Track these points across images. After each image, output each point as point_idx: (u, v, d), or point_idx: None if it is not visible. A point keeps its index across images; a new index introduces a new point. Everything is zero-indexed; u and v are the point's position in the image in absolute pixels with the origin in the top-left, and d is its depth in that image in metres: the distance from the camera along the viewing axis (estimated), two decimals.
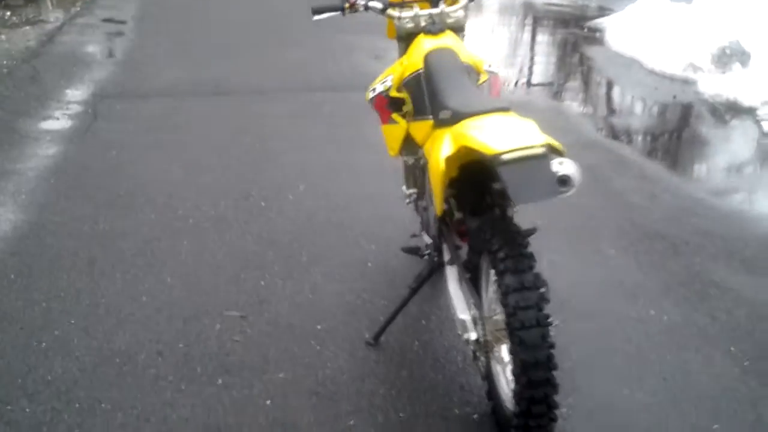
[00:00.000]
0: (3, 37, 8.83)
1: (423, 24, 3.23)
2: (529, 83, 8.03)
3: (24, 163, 5.12)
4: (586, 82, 8.25)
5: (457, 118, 2.63)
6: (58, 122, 6.01)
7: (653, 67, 8.42)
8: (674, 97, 7.54)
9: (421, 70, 3.05)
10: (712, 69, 7.98)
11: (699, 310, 3.67)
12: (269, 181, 4.97)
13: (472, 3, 3.34)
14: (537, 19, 11.69)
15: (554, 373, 2.51)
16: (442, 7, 3.29)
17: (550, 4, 12.27)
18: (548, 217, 4.37)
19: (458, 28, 3.33)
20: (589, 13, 11.41)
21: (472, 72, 3.07)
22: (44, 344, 3.25)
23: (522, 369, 2.46)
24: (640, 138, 6.51)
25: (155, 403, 2.92)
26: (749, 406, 3.03)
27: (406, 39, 3.30)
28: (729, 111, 7.05)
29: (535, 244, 3.84)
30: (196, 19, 10.07)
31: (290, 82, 7.23)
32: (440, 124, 2.76)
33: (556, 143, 2.47)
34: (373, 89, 3.28)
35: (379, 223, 4.25)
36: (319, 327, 3.42)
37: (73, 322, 3.40)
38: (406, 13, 3.25)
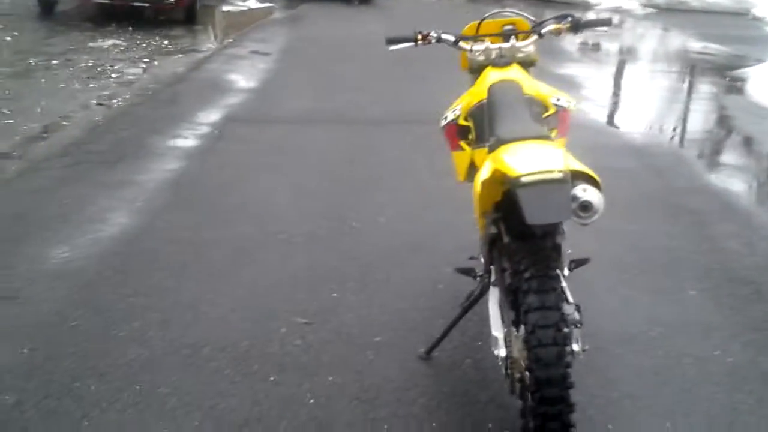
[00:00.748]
0: (156, 63, 9.51)
1: (493, 57, 3.36)
2: (659, 129, 7.93)
3: (146, 175, 5.56)
4: (714, 130, 8.10)
5: (498, 144, 2.77)
6: (185, 141, 6.46)
7: None
8: None
9: (484, 101, 3.19)
10: None
11: (766, 355, 3.58)
12: (366, 205, 5.23)
13: (545, 38, 3.42)
14: (684, 65, 11.56)
15: (570, 391, 2.55)
16: (512, 42, 3.41)
17: (703, 53, 12.12)
18: (630, 255, 4.49)
19: (528, 63, 3.45)
20: (737, 63, 11.20)
21: (536, 104, 3.18)
22: (123, 333, 3.53)
23: (536, 386, 2.54)
24: (754, 185, 6.34)
25: (208, 392, 3.15)
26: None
27: (477, 71, 3.46)
28: None
29: (610, 279, 3.93)
30: (334, 54, 10.55)
31: (408, 115, 7.46)
32: (489, 150, 2.90)
33: (588, 171, 2.60)
34: (445, 117, 3.45)
35: (457, 249, 4.38)
36: (377, 339, 3.58)
37: (153, 316, 3.65)
38: (478, 47, 3.41)
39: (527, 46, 3.40)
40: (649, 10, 19.52)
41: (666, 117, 8.55)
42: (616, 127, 7.70)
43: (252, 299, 3.88)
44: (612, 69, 11.83)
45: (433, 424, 3.04)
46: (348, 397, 3.17)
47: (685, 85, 10.64)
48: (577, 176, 2.61)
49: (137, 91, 8.02)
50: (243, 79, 8.90)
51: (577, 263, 3.23)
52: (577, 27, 3.38)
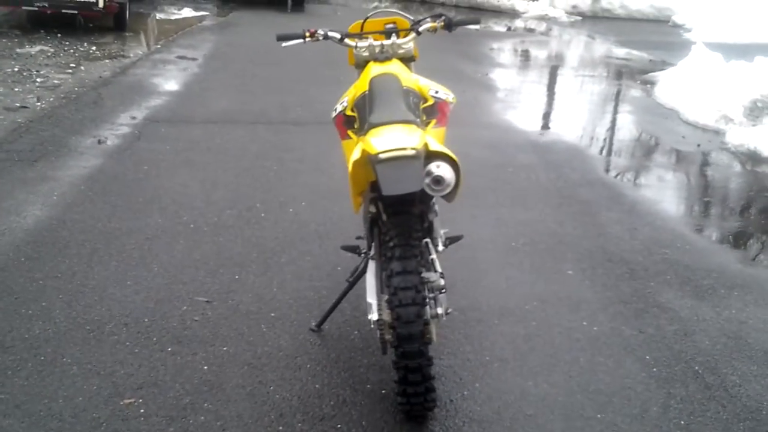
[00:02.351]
0: (82, 68, 9.68)
1: (376, 52, 3.68)
2: (564, 128, 8.39)
3: (64, 172, 5.77)
4: (614, 129, 8.57)
5: (369, 128, 3.08)
6: (104, 141, 6.63)
7: (688, 118, 8.71)
8: (698, 145, 7.79)
9: (366, 92, 3.49)
10: (744, 121, 8.20)
11: (630, 324, 3.98)
12: (276, 197, 5.50)
13: (421, 36, 3.74)
14: (602, 70, 12.09)
15: (428, 347, 2.89)
16: (393, 39, 3.73)
17: (623, 59, 12.70)
18: (522, 237, 4.90)
19: (408, 58, 3.77)
20: (651, 67, 11.76)
21: (414, 95, 3.47)
22: (30, 311, 3.76)
23: (398, 341, 2.86)
24: (643, 179, 6.79)
25: (108, 362, 3.40)
26: (638, 403, 3.33)
27: (361, 65, 3.76)
28: (748, 160, 7.29)
29: (499, 261, 4.28)
30: (262, 59, 10.81)
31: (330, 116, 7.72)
32: (363, 134, 3.21)
33: (447, 152, 2.96)
34: (335, 109, 3.74)
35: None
36: (273, 315, 3.87)
37: (60, 296, 3.90)
38: (362, 43, 3.71)
39: (407, 43, 3.71)
40: (575, 18, 20.16)
41: (574, 117, 9.01)
42: (524, 127, 8.09)
43: (157, 282, 4.13)
44: (532, 74, 12.30)
45: (316, 385, 3.31)
46: (240, 364, 3.43)
47: (599, 89, 11.16)
48: (436, 156, 2.93)
49: (61, 94, 8.19)
50: (168, 82, 9.12)
51: (451, 240, 3.56)
52: (450, 25, 3.70)
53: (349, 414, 3.11)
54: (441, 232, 3.50)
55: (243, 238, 4.68)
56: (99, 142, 6.58)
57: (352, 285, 3.62)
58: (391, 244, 2.88)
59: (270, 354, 3.48)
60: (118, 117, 7.44)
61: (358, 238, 3.74)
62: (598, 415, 3.21)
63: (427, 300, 2.89)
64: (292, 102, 8.31)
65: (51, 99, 7.91)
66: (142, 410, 3.07)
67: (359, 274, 3.59)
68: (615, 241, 5.01)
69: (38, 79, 8.74)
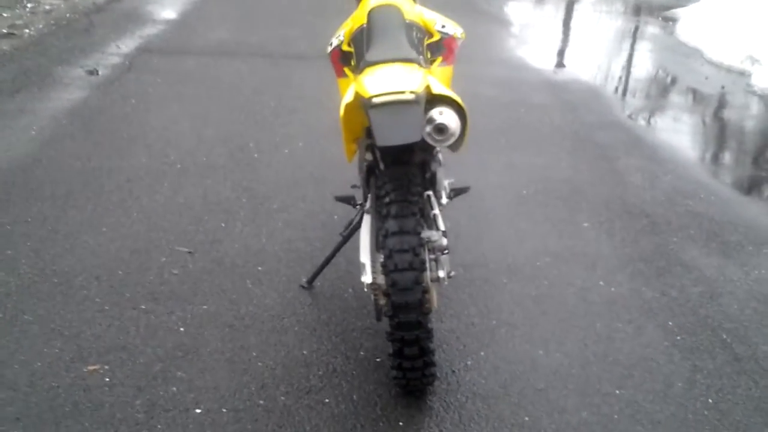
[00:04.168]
0: None
1: None
2: (581, 66, 7.90)
3: (45, 104, 5.38)
4: (633, 68, 8.09)
5: (364, 66, 2.67)
6: (92, 71, 6.20)
7: (712, 58, 8.23)
8: (722, 87, 7.34)
9: (364, 25, 3.07)
10: None
11: (651, 285, 3.62)
12: (272, 136, 5.12)
13: None
14: (620, 6, 11.51)
15: (428, 317, 2.51)
16: None
17: None
18: (535, 184, 4.51)
19: None
20: (673, 3, 11.16)
21: (417, 30, 3.07)
22: None
23: (394, 310, 2.49)
24: (664, 122, 6.35)
25: (73, 320, 3.05)
26: (661, 377, 2.98)
27: None
28: None
29: (508, 211, 3.88)
30: None
31: None
32: (358, 73, 2.80)
33: (452, 96, 2.55)
34: (330, 44, 3.33)
35: None
36: (260, 268, 3.50)
37: (28, 244, 3.54)
38: None
39: None
40: None
41: (591, 55, 8.54)
42: (538, 64, 7.62)
43: (136, 229, 3.81)
44: (548, 8, 11.72)
45: (304, 351, 2.98)
46: (221, 325, 3.10)
47: (618, 25, 10.61)
48: (439, 100, 2.53)
49: (52, 20, 7.76)
50: (164, 10, 8.70)
51: (457, 192, 3.18)
52: None
53: (338, 386, 2.78)
54: (445, 184, 3.12)
55: (232, 181, 4.30)
56: (89, 72, 6.13)
57: (346, 239, 3.26)
58: (387, 199, 2.50)
59: (254, 314, 3.13)
60: (109, 46, 7.06)
61: (354, 187, 3.36)
62: (617, 391, 2.88)
63: (427, 263, 2.48)
64: (294, 34, 7.86)
65: (40, 26, 7.47)
66: (107, 379, 2.73)
67: (354, 228, 3.23)
68: (634, 191, 4.61)
69: (29, 4, 8.29)
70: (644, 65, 8.17)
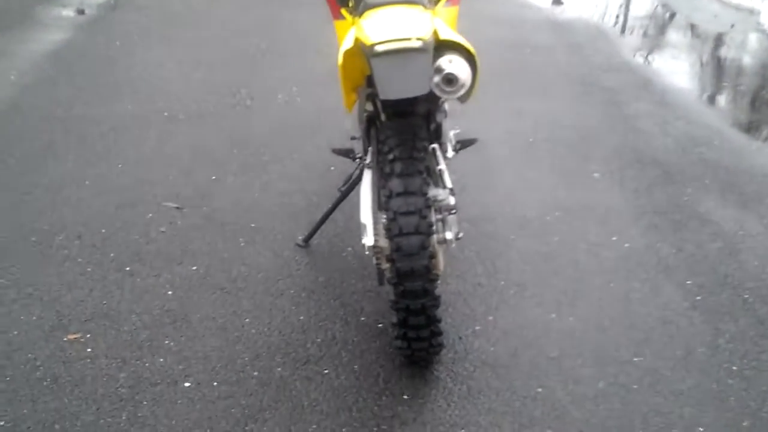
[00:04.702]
0: None
1: None
2: (586, 5, 7.57)
3: (26, 45, 5.10)
4: (640, 6, 7.76)
5: (364, 8, 2.41)
6: (75, 11, 5.88)
7: None
8: (732, 26, 6.97)
9: None
10: None
11: (667, 240, 3.40)
12: (264, 80, 4.85)
13: None
14: None
15: (435, 284, 2.29)
16: None
17: None
18: (542, 132, 4.25)
19: None
20: None
21: None
22: None
23: (398, 277, 2.26)
24: (672, 63, 6.05)
25: (54, 284, 2.84)
26: (682, 341, 2.77)
27: None
28: None
29: (515, 160, 3.64)
30: None
31: None
32: (357, 16, 2.53)
33: (461, 42, 2.30)
34: None
35: None
36: (253, 225, 3.28)
37: (5, 199, 3.31)
38: None
39: None
40: None
41: None
42: (542, 3, 7.28)
43: (121, 182, 3.59)
44: None
45: (301, 317, 2.76)
46: (211, 288, 2.88)
47: None
48: (447, 46, 2.28)
49: None
50: None
51: (463, 144, 2.95)
52: None
53: (338, 355, 2.57)
54: (451, 135, 2.89)
55: (223, 129, 4.05)
56: (77, 12, 5.76)
57: (344, 195, 3.04)
58: (391, 156, 2.27)
59: (247, 276, 2.90)
60: None
61: (353, 138, 3.10)
62: (635, 359, 2.67)
63: (434, 226, 2.24)
64: None
65: None
66: (89, 349, 2.52)
67: (353, 183, 2.99)
68: (645, 138, 4.37)
69: None
70: (649, 2, 7.81)
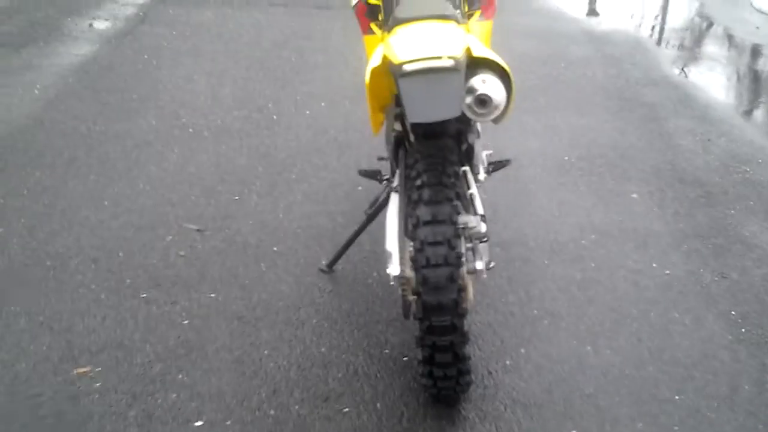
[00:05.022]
0: None
1: None
2: (624, 16, 7.38)
3: (52, 59, 5.03)
4: (679, 17, 7.53)
5: (393, 24, 2.27)
6: (104, 23, 5.89)
7: (761, 6, 7.62)
8: None
9: None
10: None
11: (709, 266, 3.22)
12: (292, 95, 4.75)
13: None
14: None
15: (464, 319, 2.13)
16: None
17: None
18: (577, 150, 4.13)
19: None
20: None
21: None
22: None
23: (424, 312, 2.11)
24: (712, 76, 5.83)
25: (65, 312, 2.73)
26: (726, 378, 2.60)
27: None
28: None
29: (549, 180, 3.46)
30: None
31: None
32: (386, 31, 2.39)
33: (496, 59, 2.16)
34: None
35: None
36: (275, 249, 3.15)
37: (22, 221, 3.24)
38: None
39: None
40: None
41: (634, 4, 7.93)
42: (576, 13, 7.10)
43: (141, 203, 3.48)
44: None
45: (322, 349, 2.62)
46: (229, 318, 2.75)
47: None
48: (481, 64, 2.12)
49: None
50: None
51: (496, 166, 2.79)
52: None
53: (360, 391, 2.43)
54: (483, 156, 2.72)
55: (249, 147, 3.93)
56: (92, 25, 5.69)
57: (370, 219, 2.89)
58: (419, 182, 2.12)
59: (267, 304, 2.77)
60: None
61: (380, 159, 2.96)
62: (676, 397, 2.51)
63: (463, 256, 2.08)
64: None
65: None
66: (98, 384, 2.39)
67: (380, 206, 2.83)
68: (686, 156, 4.17)
69: None
70: (688, 14, 7.60)
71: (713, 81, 5.78)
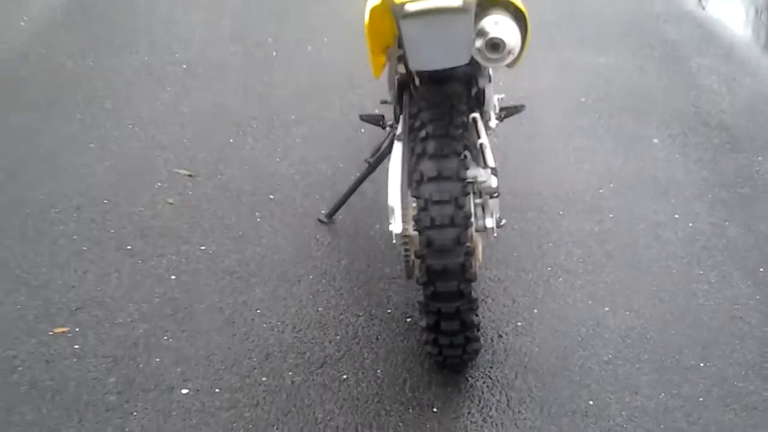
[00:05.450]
0: None
1: None
2: None
3: None
4: None
5: None
6: None
7: None
8: None
9: None
10: None
11: (735, 219, 2.99)
12: (294, 30, 4.48)
13: None
14: None
15: (472, 284, 1.91)
16: None
17: None
18: (594, 91, 3.86)
19: None
20: None
21: None
22: None
23: (428, 277, 1.89)
24: (742, 12, 5.50)
25: (43, 265, 2.54)
26: (755, 345, 2.42)
27: None
28: None
29: (565, 123, 3.21)
30: None
31: None
32: None
33: (513, 1, 1.92)
34: None
35: None
36: (272, 197, 2.93)
37: (1, 164, 2.94)
38: None
39: None
40: None
41: None
42: None
43: (129, 146, 3.28)
44: None
45: (319, 308, 2.42)
46: (219, 273, 2.57)
47: None
48: (492, 2, 1.85)
49: None
50: None
51: (509, 111, 2.55)
52: None
53: (359, 355, 2.24)
54: (495, 101, 2.45)
55: (246, 85, 3.69)
56: None
57: (372, 168, 2.69)
58: (424, 132, 1.88)
59: (261, 258, 2.58)
60: None
61: (383, 102, 2.71)
62: (701, 364, 2.33)
63: (472, 216, 1.85)
64: None
65: None
66: (76, 346, 2.20)
67: (382, 155, 2.60)
68: (710, 98, 3.90)
69: None
70: None
71: (739, 17, 5.45)
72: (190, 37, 4.21)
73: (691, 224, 2.95)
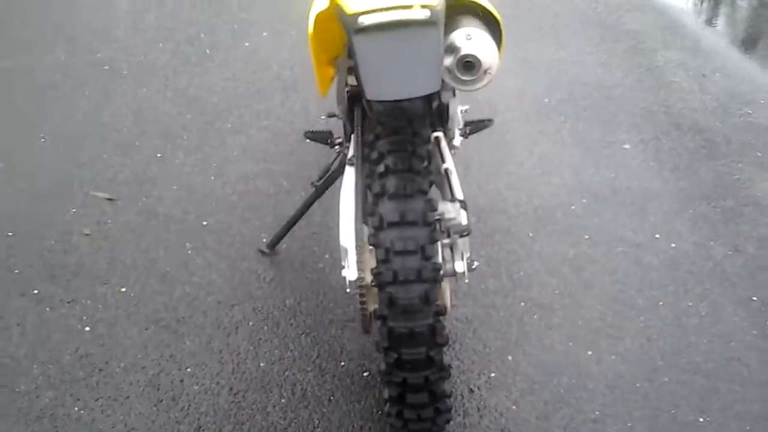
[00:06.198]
0: None
1: None
2: None
3: None
4: None
5: None
6: None
7: None
8: None
9: None
10: None
11: (720, 237, 2.70)
12: (228, 24, 4.07)
13: None
14: None
15: (443, 350, 1.55)
16: None
17: None
18: (558, 91, 3.60)
19: None
20: None
21: None
22: None
23: (391, 342, 1.51)
24: (707, 2, 5.24)
25: None
26: (757, 392, 2.15)
27: None
28: None
29: (528, 128, 2.85)
30: None
31: None
32: None
33: (482, 3, 1.58)
34: None
35: None
36: (205, 223, 2.54)
37: None
38: None
39: None
40: None
41: None
42: None
43: (42, 162, 2.91)
44: None
45: (261, 363, 2.09)
46: (143, 321, 2.26)
47: None
48: (463, 11, 1.48)
49: None
50: None
51: (474, 127, 2.20)
52: None
53: (309, 424, 1.92)
54: (459, 115, 2.09)
55: (176, 89, 3.32)
56: None
57: (320, 192, 2.30)
58: (383, 167, 1.50)
59: (192, 300, 2.24)
60: None
61: (331, 116, 2.32)
62: (700, 419, 2.05)
63: (440, 255, 1.59)
64: None
65: None
66: None
67: (330, 177, 2.22)
68: (680, 95, 3.63)
69: None
70: None
71: (704, 6, 5.19)
72: (114, 34, 3.82)
73: (673, 245, 2.64)
